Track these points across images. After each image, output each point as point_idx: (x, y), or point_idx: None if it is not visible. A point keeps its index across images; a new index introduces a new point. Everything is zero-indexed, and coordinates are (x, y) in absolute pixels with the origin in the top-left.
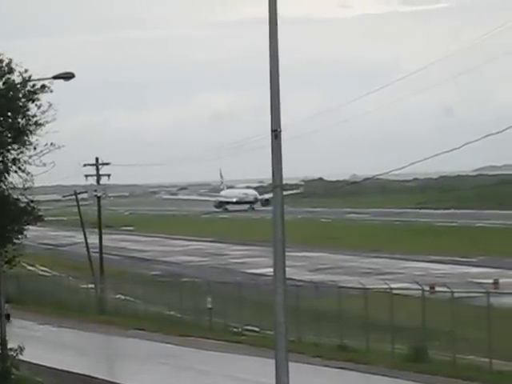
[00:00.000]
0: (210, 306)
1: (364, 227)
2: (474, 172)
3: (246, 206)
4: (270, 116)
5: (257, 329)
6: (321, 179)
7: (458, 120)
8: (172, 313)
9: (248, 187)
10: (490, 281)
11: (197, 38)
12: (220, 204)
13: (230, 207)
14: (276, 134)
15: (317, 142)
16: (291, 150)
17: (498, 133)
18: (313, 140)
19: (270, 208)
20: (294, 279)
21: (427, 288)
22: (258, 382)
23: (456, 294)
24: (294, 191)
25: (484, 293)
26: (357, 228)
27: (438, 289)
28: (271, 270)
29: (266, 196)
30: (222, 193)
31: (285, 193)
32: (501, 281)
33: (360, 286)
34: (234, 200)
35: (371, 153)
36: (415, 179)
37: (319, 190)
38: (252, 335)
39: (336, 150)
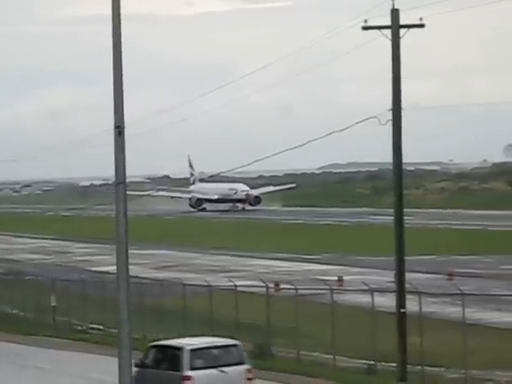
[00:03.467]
0: (53, 304)
1: (209, 224)
2: (318, 170)
3: (228, 205)
4: (113, 112)
5: (101, 327)
6: (167, 177)
7: (303, 118)
8: (15, 311)
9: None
10: (335, 278)
11: (39, 34)
12: (198, 202)
13: (209, 206)
14: (119, 130)
15: (162, 140)
16: (135, 147)
17: (340, 130)
18: (158, 137)
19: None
20: (139, 277)
21: (272, 285)
22: (102, 380)
23: (300, 291)
24: (288, 186)
25: (328, 290)
26: (202, 225)
27: (282, 286)
28: (115, 267)
29: (255, 192)
30: (193, 187)
31: (277, 188)
32: (345, 278)
33: (205, 284)
34: (216, 197)
35: (217, 150)
36: (260, 176)
37: None
38: (96, 333)
39: (182, 148)
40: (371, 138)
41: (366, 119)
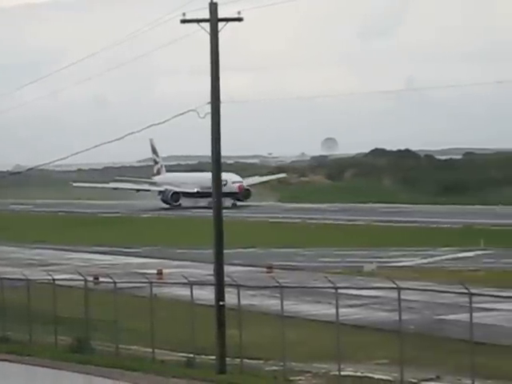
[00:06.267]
0: None
1: (28, 218)
2: (138, 163)
3: (208, 200)
4: None
5: None
6: None
7: (123, 111)
8: None
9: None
10: (154, 271)
11: None
12: (175, 197)
13: (184, 201)
14: None
15: None
16: None
17: (159, 123)
18: None
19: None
20: None
21: (91, 279)
22: None
23: (120, 285)
24: (277, 176)
25: (147, 283)
26: (21, 219)
27: (102, 279)
28: None
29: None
30: (159, 178)
31: (265, 179)
32: (164, 271)
33: (23, 277)
34: (195, 190)
35: (35, 143)
36: (79, 170)
37: None
38: None
39: None
40: (192, 131)
41: (185, 112)
